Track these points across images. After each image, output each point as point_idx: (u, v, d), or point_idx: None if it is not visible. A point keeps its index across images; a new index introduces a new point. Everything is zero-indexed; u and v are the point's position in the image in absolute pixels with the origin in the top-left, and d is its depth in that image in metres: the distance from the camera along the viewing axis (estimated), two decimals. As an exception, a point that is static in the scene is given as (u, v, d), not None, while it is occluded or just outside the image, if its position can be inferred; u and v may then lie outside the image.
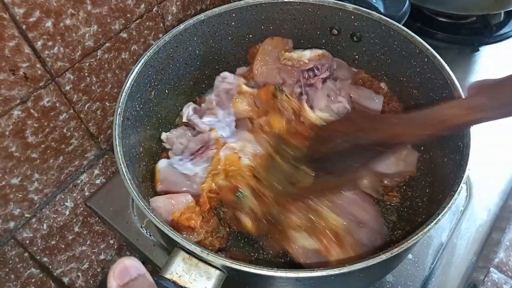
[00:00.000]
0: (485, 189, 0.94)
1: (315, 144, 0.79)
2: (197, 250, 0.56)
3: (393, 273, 0.83)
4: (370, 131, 0.69)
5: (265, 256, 0.80)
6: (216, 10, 0.87)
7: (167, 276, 0.55)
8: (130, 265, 0.43)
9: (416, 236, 0.58)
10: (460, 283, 0.82)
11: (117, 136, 0.70)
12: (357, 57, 0.94)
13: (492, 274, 0.83)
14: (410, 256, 0.85)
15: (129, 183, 0.65)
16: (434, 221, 0.59)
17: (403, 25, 0.83)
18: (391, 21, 0.83)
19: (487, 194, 0.93)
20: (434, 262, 0.84)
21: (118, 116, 0.72)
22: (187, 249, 0.57)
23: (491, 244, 0.87)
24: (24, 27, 0.71)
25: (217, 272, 0.56)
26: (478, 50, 1.19)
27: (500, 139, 1.01)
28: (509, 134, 1.02)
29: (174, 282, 0.54)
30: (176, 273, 0.55)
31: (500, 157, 0.99)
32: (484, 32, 1.19)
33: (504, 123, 1.03)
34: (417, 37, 0.80)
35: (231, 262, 0.55)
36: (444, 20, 1.22)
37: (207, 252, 0.56)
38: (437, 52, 0.78)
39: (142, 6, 0.91)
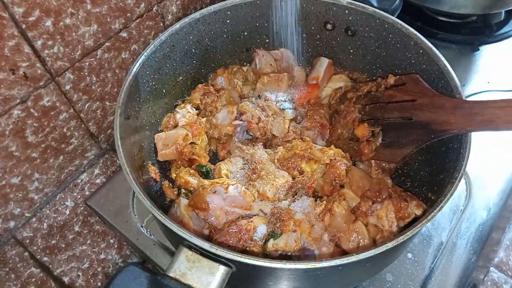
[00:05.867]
0: (485, 188, 0.94)
1: (373, 109, 0.83)
2: (205, 245, 0.56)
3: (393, 272, 0.83)
4: (424, 108, 0.72)
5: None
6: (211, 8, 0.87)
7: (171, 274, 0.55)
8: None
9: (421, 224, 0.58)
10: (460, 283, 0.82)
11: (118, 137, 0.70)
12: (352, 51, 0.95)
13: (492, 273, 0.83)
14: (410, 255, 0.85)
15: (134, 183, 0.65)
16: (437, 208, 0.60)
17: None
18: (386, 14, 0.83)
19: (487, 193, 0.93)
20: (434, 262, 0.84)
21: (118, 116, 0.72)
22: (194, 244, 0.57)
23: (491, 244, 0.87)
24: (23, 26, 0.71)
25: (222, 267, 0.57)
26: (479, 49, 1.19)
27: (499, 139, 1.01)
28: (508, 135, 1.02)
29: (177, 280, 0.55)
30: (179, 271, 0.56)
31: (499, 157, 0.98)
32: (484, 31, 1.19)
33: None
34: (411, 29, 0.80)
35: (240, 256, 0.55)
36: (445, 19, 1.22)
37: (216, 248, 0.56)
38: (437, 51, 0.78)
39: (142, 5, 0.91)
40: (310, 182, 0.81)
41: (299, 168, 0.84)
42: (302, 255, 0.75)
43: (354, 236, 0.74)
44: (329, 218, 0.76)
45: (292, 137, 0.90)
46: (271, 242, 0.74)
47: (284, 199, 0.80)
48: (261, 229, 0.76)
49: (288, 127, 0.92)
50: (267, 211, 0.79)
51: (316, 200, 0.79)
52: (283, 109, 0.94)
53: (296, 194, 0.82)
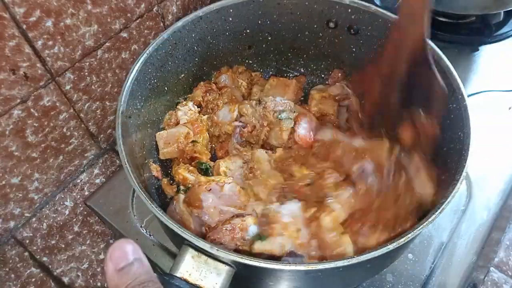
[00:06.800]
0: (485, 189, 0.94)
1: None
2: (206, 246, 0.56)
3: (393, 272, 0.83)
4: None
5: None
6: (213, 6, 0.87)
7: (178, 274, 0.55)
8: (128, 249, 0.43)
9: (422, 226, 0.58)
10: (460, 283, 0.82)
11: (120, 135, 0.69)
12: (354, 49, 0.95)
13: (492, 273, 0.83)
14: (410, 255, 0.85)
15: (135, 182, 0.65)
16: (439, 210, 0.59)
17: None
18: (388, 13, 0.83)
19: (487, 194, 0.93)
20: (435, 262, 0.84)
21: (120, 115, 0.72)
22: (196, 245, 0.57)
23: (491, 244, 0.87)
24: (24, 26, 0.71)
25: (226, 267, 0.57)
26: (478, 49, 1.19)
27: (500, 139, 1.01)
28: (508, 134, 1.02)
29: (185, 280, 0.55)
30: (186, 271, 0.56)
31: (500, 157, 0.99)
32: (484, 31, 1.19)
33: (503, 123, 1.04)
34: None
35: (240, 257, 0.55)
36: (444, 20, 1.22)
37: (216, 248, 0.56)
38: (440, 51, 0.78)
39: (143, 5, 0.91)
40: (297, 187, 0.80)
41: (290, 172, 0.83)
42: (290, 258, 0.74)
43: (339, 249, 0.70)
44: (315, 227, 0.73)
45: (294, 144, 0.89)
46: (257, 244, 0.73)
47: (275, 201, 0.79)
48: (253, 229, 0.75)
49: (288, 136, 0.90)
50: (259, 212, 0.78)
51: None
52: (280, 119, 0.92)
53: (285, 197, 0.80)
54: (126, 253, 0.43)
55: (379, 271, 0.80)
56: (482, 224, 0.89)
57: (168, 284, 0.52)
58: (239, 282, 0.60)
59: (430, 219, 0.59)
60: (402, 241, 0.57)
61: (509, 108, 1.07)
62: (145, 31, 0.95)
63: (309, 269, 0.56)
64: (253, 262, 0.55)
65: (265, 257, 0.73)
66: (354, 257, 0.55)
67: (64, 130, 0.89)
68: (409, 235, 0.57)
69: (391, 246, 0.56)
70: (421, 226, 0.58)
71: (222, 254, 0.56)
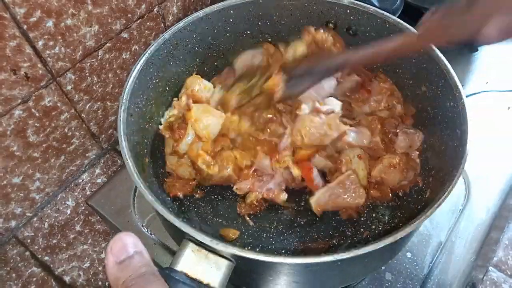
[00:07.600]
0: (484, 188, 0.94)
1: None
2: (206, 240, 0.57)
3: (392, 271, 0.83)
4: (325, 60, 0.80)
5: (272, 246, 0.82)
6: (215, 7, 0.88)
7: (178, 268, 0.55)
8: (128, 242, 0.43)
9: (419, 221, 0.59)
10: (459, 282, 0.83)
11: (122, 133, 0.70)
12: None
13: (491, 273, 0.83)
14: (409, 254, 0.85)
15: (137, 178, 0.65)
16: (436, 204, 0.60)
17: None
18: (387, 14, 0.84)
19: (486, 193, 0.94)
20: (433, 261, 0.85)
21: (122, 113, 0.72)
22: (196, 240, 0.57)
23: (489, 243, 0.87)
24: (25, 27, 0.72)
25: (226, 262, 0.57)
26: (477, 49, 1.19)
27: (498, 138, 1.01)
28: (507, 134, 1.03)
29: (185, 274, 0.55)
30: (187, 265, 0.56)
31: (498, 156, 0.99)
32: (483, 31, 1.19)
33: (502, 123, 1.04)
34: (412, 29, 0.81)
35: (240, 251, 0.56)
36: (444, 19, 1.22)
37: (216, 242, 0.57)
38: (438, 51, 0.78)
39: (143, 6, 0.91)
40: None
41: None
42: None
43: None
44: None
45: None
46: None
47: None
48: None
49: None
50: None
51: None
52: None
53: None
54: (127, 245, 0.43)
55: (377, 267, 0.81)
56: (480, 223, 0.90)
57: (169, 277, 0.52)
58: (238, 277, 0.61)
59: (427, 213, 0.59)
60: (399, 235, 0.57)
61: (508, 108, 1.07)
62: (146, 31, 0.96)
63: (308, 262, 0.56)
64: (252, 255, 0.56)
65: None
66: (352, 250, 0.56)
67: (66, 130, 0.89)
68: (407, 229, 0.58)
69: (388, 240, 0.57)
70: (418, 221, 0.59)
71: (222, 247, 0.56)
